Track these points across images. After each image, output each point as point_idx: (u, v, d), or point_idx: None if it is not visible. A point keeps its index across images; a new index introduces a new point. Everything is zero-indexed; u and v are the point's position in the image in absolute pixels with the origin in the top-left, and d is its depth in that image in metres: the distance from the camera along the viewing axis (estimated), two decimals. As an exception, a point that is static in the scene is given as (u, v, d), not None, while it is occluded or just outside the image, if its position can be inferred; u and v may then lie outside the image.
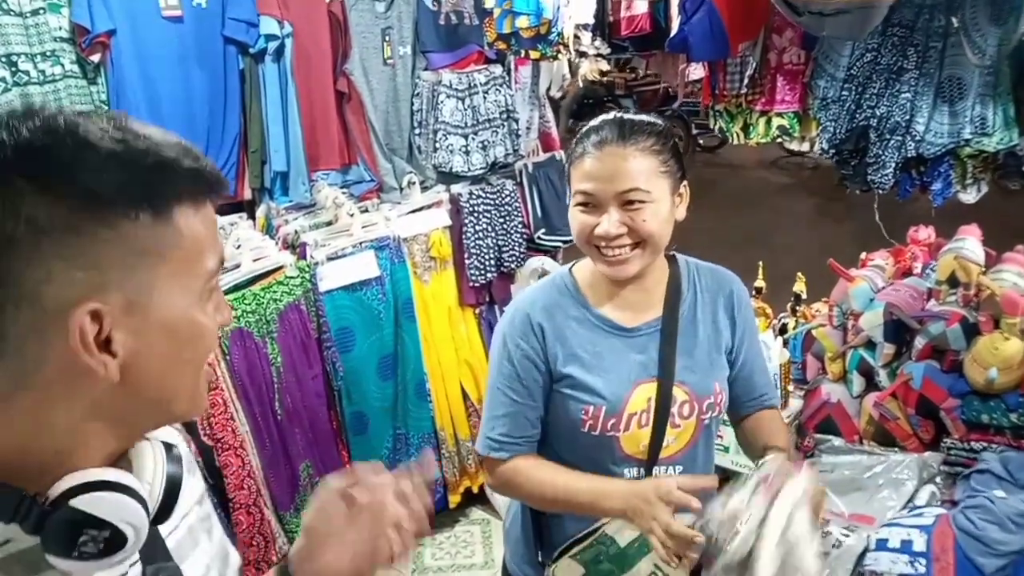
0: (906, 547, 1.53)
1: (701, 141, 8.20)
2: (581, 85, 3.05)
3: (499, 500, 2.52)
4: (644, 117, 1.39)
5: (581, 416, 1.38)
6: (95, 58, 2.22)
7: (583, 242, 1.37)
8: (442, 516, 3.28)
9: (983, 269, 1.81)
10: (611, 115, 1.40)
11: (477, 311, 3.39)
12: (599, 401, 1.38)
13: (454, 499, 3.30)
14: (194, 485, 0.86)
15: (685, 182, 1.40)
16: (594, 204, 1.33)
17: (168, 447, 0.74)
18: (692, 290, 1.46)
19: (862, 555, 1.59)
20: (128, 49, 2.27)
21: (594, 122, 1.39)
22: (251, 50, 2.58)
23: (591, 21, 2.72)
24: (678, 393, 1.40)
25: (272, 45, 2.58)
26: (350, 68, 2.89)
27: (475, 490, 3.34)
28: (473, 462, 3.32)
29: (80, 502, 0.63)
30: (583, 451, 1.42)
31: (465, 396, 3.32)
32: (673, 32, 2.46)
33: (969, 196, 2.05)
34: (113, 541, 0.64)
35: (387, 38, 2.98)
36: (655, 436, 1.39)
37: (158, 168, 0.65)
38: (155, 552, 0.74)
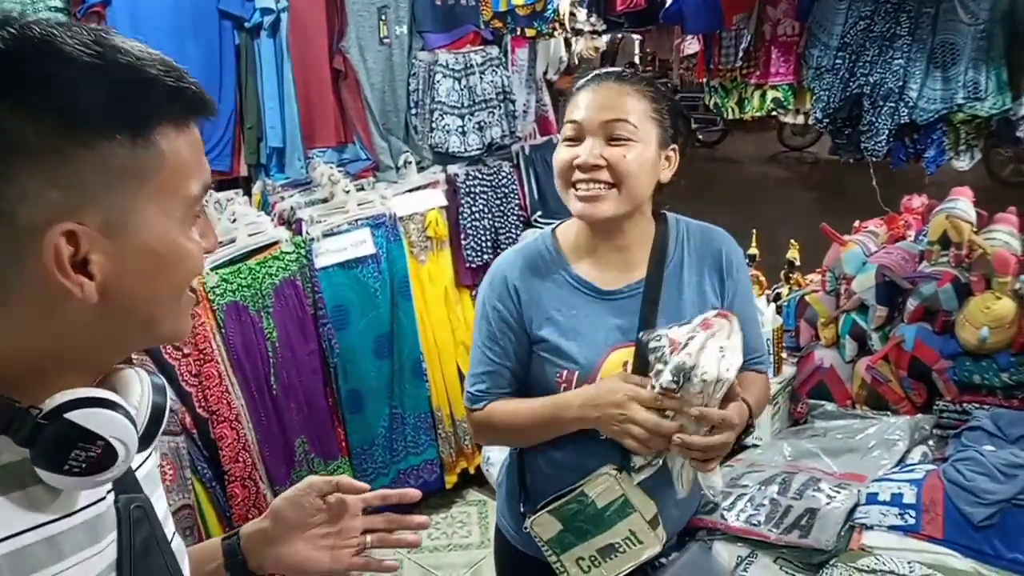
0: (896, 500, 1.52)
1: (701, 136, 8.20)
2: (577, 62, 3.05)
3: (494, 475, 2.52)
4: (644, 75, 1.41)
5: (556, 379, 1.38)
6: (90, 28, 2.23)
7: (561, 178, 1.34)
8: (438, 497, 3.28)
9: (975, 229, 1.80)
10: (614, 68, 1.42)
11: (473, 292, 3.39)
12: (572, 365, 1.36)
13: (450, 479, 3.29)
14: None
15: (675, 146, 1.38)
16: (580, 136, 1.31)
17: (152, 377, 0.74)
18: (679, 250, 1.42)
19: (852, 510, 1.59)
20: (123, 20, 2.28)
21: (597, 71, 1.39)
22: (246, 24, 2.59)
23: (587, -3, 2.73)
24: None
25: (267, 20, 2.60)
26: (346, 46, 2.91)
27: (471, 471, 3.34)
28: (470, 442, 3.32)
29: (76, 415, 0.64)
30: None
31: (461, 376, 3.32)
32: (667, 5, 2.46)
33: (962, 163, 2.04)
34: (102, 458, 0.65)
35: (383, 17, 2.99)
36: None
37: (138, 86, 0.63)
38: (127, 483, 0.74)
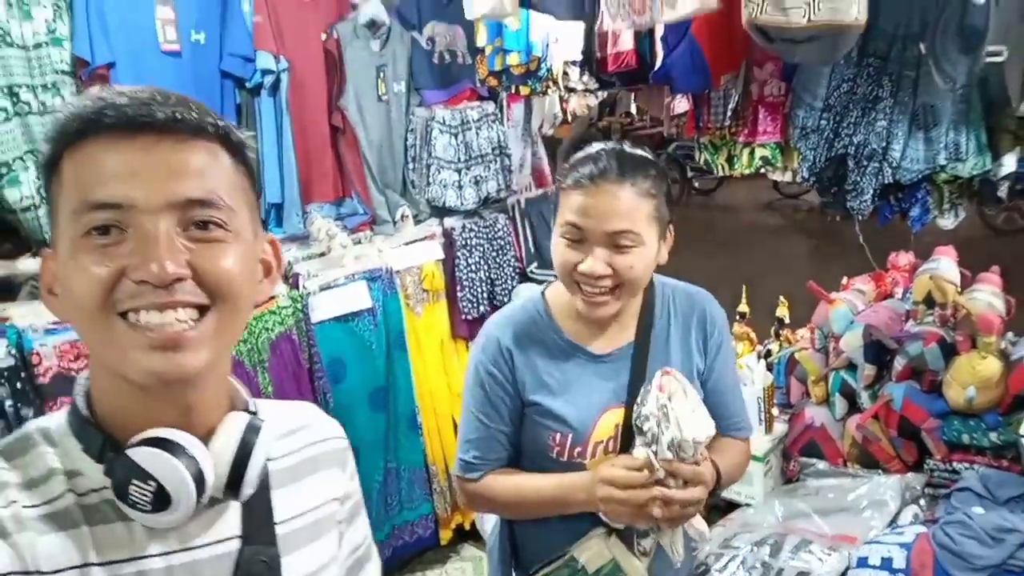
0: (886, 564, 1.52)
1: (696, 184, 8.30)
2: (571, 120, 3.11)
3: (487, 531, 2.50)
4: (642, 153, 1.36)
5: (548, 442, 1.38)
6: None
7: (564, 275, 1.34)
8: (433, 552, 3.24)
9: (958, 289, 1.83)
10: (609, 145, 1.37)
11: (469, 344, 3.41)
12: (565, 429, 1.37)
13: (445, 535, 3.26)
14: (335, 479, 0.87)
15: (671, 225, 1.38)
16: (581, 239, 1.29)
17: (253, 419, 0.76)
18: (666, 314, 1.44)
19: (843, 574, 1.58)
20: (127, 82, 2.33)
21: (592, 150, 1.35)
22: (247, 84, 2.65)
23: (579, 57, 2.79)
24: None
25: (268, 79, 2.66)
26: (345, 103, 2.97)
27: (467, 526, 3.31)
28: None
29: (135, 452, 0.68)
30: (551, 474, 1.41)
31: (457, 430, 3.31)
32: (657, 66, 2.52)
33: (947, 222, 2.08)
34: (160, 496, 0.68)
35: (382, 75, 3.06)
36: None
37: (55, 125, 0.70)
38: (259, 533, 0.76)
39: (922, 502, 1.79)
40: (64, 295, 0.70)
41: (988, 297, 1.78)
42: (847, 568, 1.59)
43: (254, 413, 0.78)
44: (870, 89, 2.11)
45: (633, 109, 7.93)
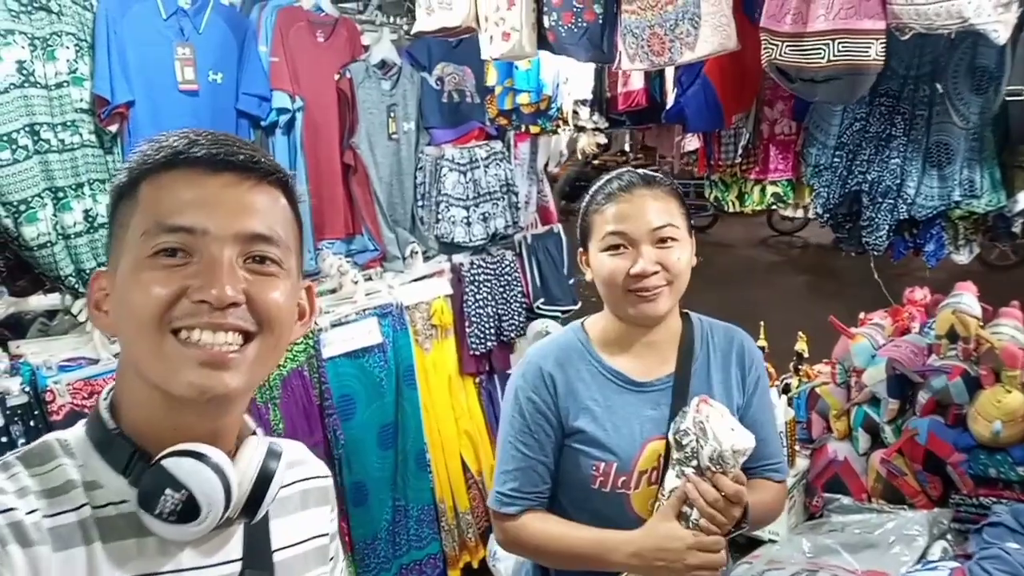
0: (923, 600, 1.51)
1: (692, 221, 8.37)
2: (580, 157, 3.15)
3: (501, 571, 2.47)
4: (653, 172, 1.45)
5: (592, 472, 1.38)
6: (112, 128, 2.29)
7: (614, 287, 1.36)
8: (441, 593, 3.19)
9: (981, 323, 1.84)
10: (624, 169, 1.46)
11: (477, 380, 3.40)
12: (610, 457, 1.37)
13: (453, 574, 3.21)
14: (323, 516, 0.91)
15: (693, 231, 1.46)
16: (626, 244, 1.35)
17: (274, 446, 0.81)
18: (705, 348, 1.46)
19: (879, 610, 1.57)
20: (145, 120, 2.35)
21: (610, 176, 1.44)
22: (262, 123, 2.67)
23: (589, 97, 2.85)
24: None
25: (283, 119, 2.68)
26: (356, 142, 2.99)
27: (475, 565, 3.26)
28: (473, 535, 3.26)
29: (168, 462, 0.72)
30: (593, 509, 1.40)
31: (465, 467, 3.29)
32: (669, 105, 2.56)
33: (962, 257, 2.11)
34: (189, 507, 0.70)
35: (392, 114, 3.09)
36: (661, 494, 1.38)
37: (138, 159, 0.77)
38: (259, 559, 0.80)
39: (950, 537, 1.78)
40: (118, 309, 0.75)
41: (1011, 331, 1.80)
42: (882, 605, 1.58)
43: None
44: (883, 128, 2.15)
45: (627, 148, 8.04)
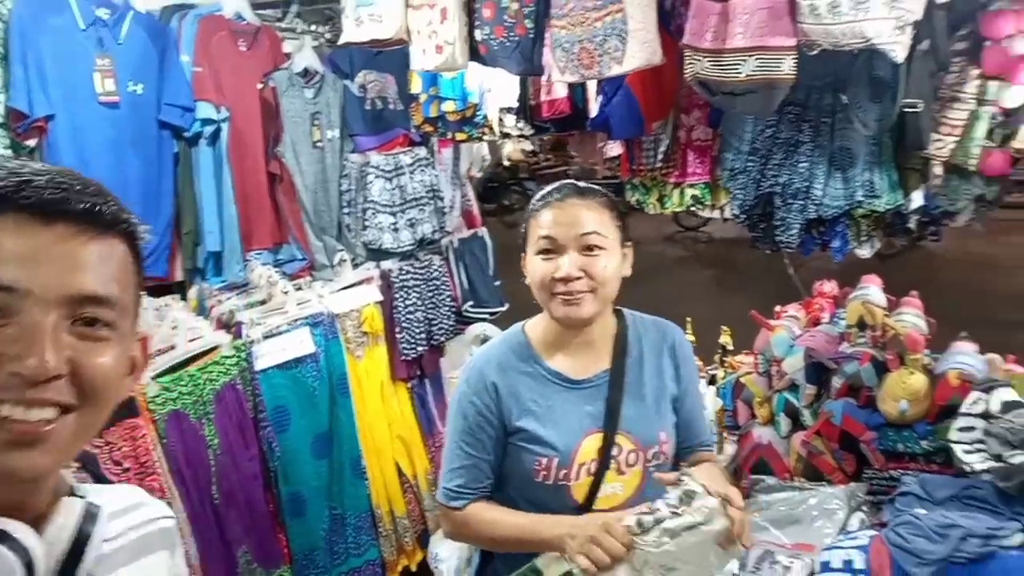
0: (848, 566, 1.66)
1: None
2: (506, 163, 3.23)
3: (444, 572, 2.52)
4: (594, 186, 1.53)
5: (535, 467, 1.47)
6: (31, 142, 2.22)
7: (542, 289, 1.46)
8: (381, 598, 3.20)
9: (886, 312, 2.03)
10: (566, 181, 1.55)
11: (409, 385, 3.43)
12: (551, 452, 1.46)
13: (393, 578, 3.24)
14: (160, 564, 0.83)
15: (630, 243, 1.54)
16: (554, 249, 1.43)
17: (90, 505, 0.72)
18: (638, 344, 1.56)
19: (809, 579, 1.71)
20: (64, 134, 2.28)
21: (551, 186, 1.54)
22: (186, 134, 2.62)
23: (514, 104, 2.91)
24: (624, 442, 1.49)
25: (208, 129, 2.64)
26: (281, 151, 2.98)
27: (413, 568, 3.29)
28: (411, 539, 3.29)
29: None
30: (537, 499, 1.50)
31: (400, 473, 3.32)
32: (593, 113, 2.67)
33: (864, 251, 2.30)
34: None
35: (316, 122, 3.09)
36: (594, 484, 1.48)
37: None
38: None
39: (865, 508, 1.95)
40: None
41: (913, 319, 2.00)
42: (811, 573, 1.72)
43: (83, 498, 0.74)
44: (791, 134, 2.32)
45: (537, 148, 8.17)
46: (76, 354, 0.66)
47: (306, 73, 3.04)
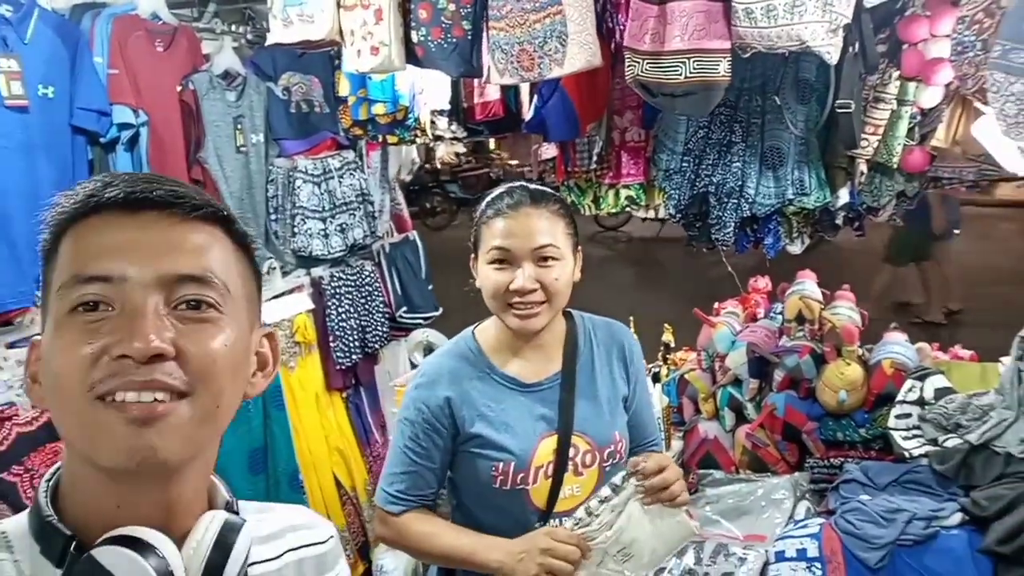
0: (801, 555, 1.71)
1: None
2: (439, 166, 3.19)
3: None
4: (544, 188, 1.52)
5: (492, 473, 1.45)
6: (-67, 149, 2.05)
7: (496, 299, 1.44)
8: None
9: (823, 306, 2.10)
10: (516, 184, 1.53)
11: (344, 395, 3.35)
12: (508, 457, 1.45)
13: (334, 594, 3.15)
14: None
15: (579, 247, 1.53)
16: (509, 260, 1.42)
17: (232, 517, 0.71)
18: (589, 344, 1.56)
19: (764, 569, 1.75)
20: (-33, 140, 2.11)
21: (501, 189, 1.51)
22: (101, 139, 2.48)
23: (447, 107, 2.88)
24: (579, 443, 1.49)
25: (126, 134, 2.50)
26: (204, 156, 2.85)
27: (355, 581, 3.23)
28: (351, 552, 3.21)
29: (98, 551, 0.63)
30: (495, 506, 1.48)
31: (338, 484, 3.24)
32: (527, 116, 2.67)
33: (795, 248, 2.38)
34: None
35: (239, 126, 2.97)
36: (553, 486, 1.47)
37: (58, 209, 0.69)
38: None
39: (809, 496, 2.02)
40: (45, 380, 0.67)
41: (847, 311, 2.08)
42: (766, 563, 1.76)
43: (235, 512, 0.74)
44: (724, 134, 2.38)
45: (462, 149, 8.14)
46: (181, 336, 0.66)
47: (227, 75, 2.91)
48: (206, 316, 0.68)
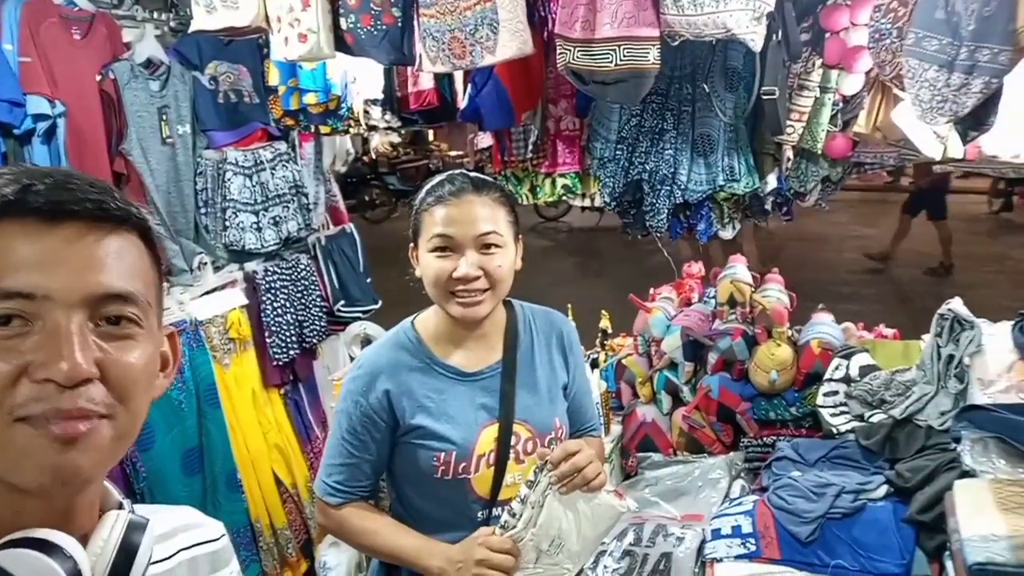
0: (736, 531, 1.75)
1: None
2: (374, 156, 3.14)
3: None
4: (484, 176, 1.52)
5: (433, 463, 1.45)
6: None
7: (438, 287, 1.43)
8: (262, 615, 3.06)
9: (753, 289, 2.15)
10: (458, 172, 1.51)
11: (282, 391, 3.29)
12: (449, 447, 1.44)
13: (277, 593, 3.10)
14: None
15: (520, 235, 1.53)
16: (452, 248, 1.40)
17: (136, 519, 0.71)
18: (528, 333, 1.57)
19: (700, 548, 1.79)
20: None
21: (441, 177, 1.49)
22: (15, 131, 2.37)
23: (380, 96, 2.84)
24: (521, 431, 1.50)
25: (42, 126, 2.40)
26: (127, 148, 2.75)
27: (297, 580, 3.18)
28: (293, 551, 3.16)
29: (3, 555, 0.62)
30: (437, 496, 1.48)
31: (279, 482, 3.18)
32: (462, 105, 2.65)
33: (727, 233, 2.43)
34: None
35: (164, 117, 2.88)
36: (497, 475, 1.48)
37: None
38: None
39: (744, 475, 2.07)
40: None
41: (777, 294, 2.13)
42: (703, 541, 1.80)
43: (132, 512, 0.73)
44: (656, 122, 2.41)
45: (398, 139, 8.06)
46: (105, 355, 0.65)
47: (150, 64, 2.82)
48: (127, 332, 0.67)
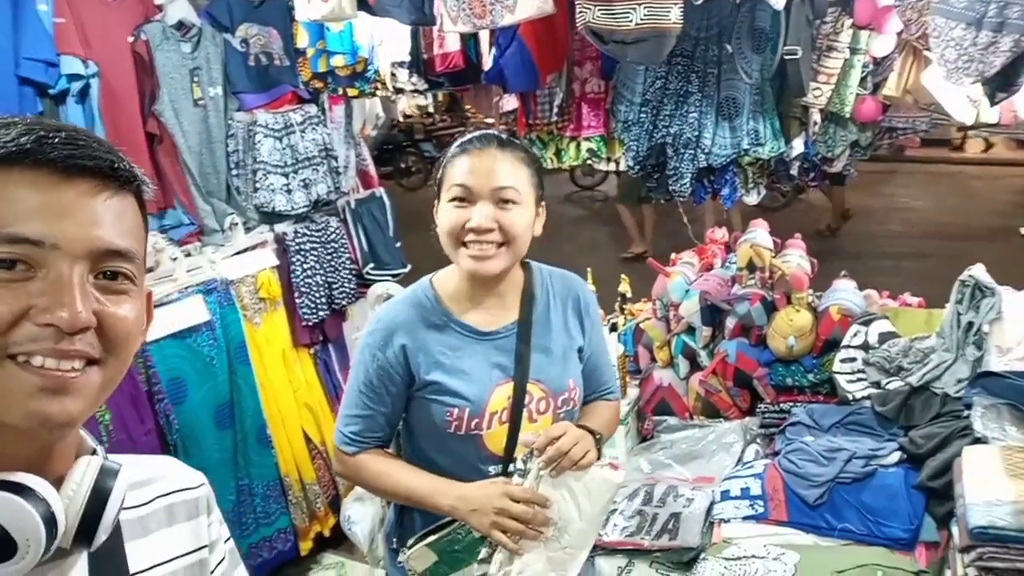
0: (745, 493, 1.76)
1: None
2: (401, 119, 3.16)
3: (358, 533, 2.51)
4: (516, 139, 1.53)
5: (446, 418, 1.47)
6: None
7: (452, 237, 1.43)
8: (292, 566, 3.16)
9: (774, 254, 2.13)
10: (489, 130, 1.53)
11: (312, 351, 3.36)
12: (463, 403, 1.47)
13: (305, 546, 3.20)
14: (197, 529, 0.84)
15: (544, 202, 1.53)
16: (468, 199, 1.40)
17: (109, 464, 0.73)
18: (545, 294, 1.57)
19: (709, 508, 1.80)
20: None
21: (472, 134, 1.50)
22: (51, 91, 2.43)
23: (407, 58, 2.85)
24: (534, 390, 1.51)
25: (76, 86, 2.45)
26: (159, 109, 2.81)
27: (326, 533, 3.26)
28: (322, 505, 3.25)
29: None
30: (450, 450, 1.51)
31: (308, 439, 3.26)
32: (487, 67, 2.65)
33: (751, 198, 2.40)
34: (5, 545, 0.63)
35: (196, 79, 2.92)
36: (511, 432, 1.50)
37: None
38: None
39: (759, 440, 2.07)
40: None
41: (797, 259, 2.11)
42: (712, 503, 1.81)
43: (105, 458, 0.75)
44: (680, 85, 2.38)
45: (431, 108, 8.05)
46: (101, 307, 0.68)
47: (181, 26, 2.86)
48: (122, 288, 0.70)
